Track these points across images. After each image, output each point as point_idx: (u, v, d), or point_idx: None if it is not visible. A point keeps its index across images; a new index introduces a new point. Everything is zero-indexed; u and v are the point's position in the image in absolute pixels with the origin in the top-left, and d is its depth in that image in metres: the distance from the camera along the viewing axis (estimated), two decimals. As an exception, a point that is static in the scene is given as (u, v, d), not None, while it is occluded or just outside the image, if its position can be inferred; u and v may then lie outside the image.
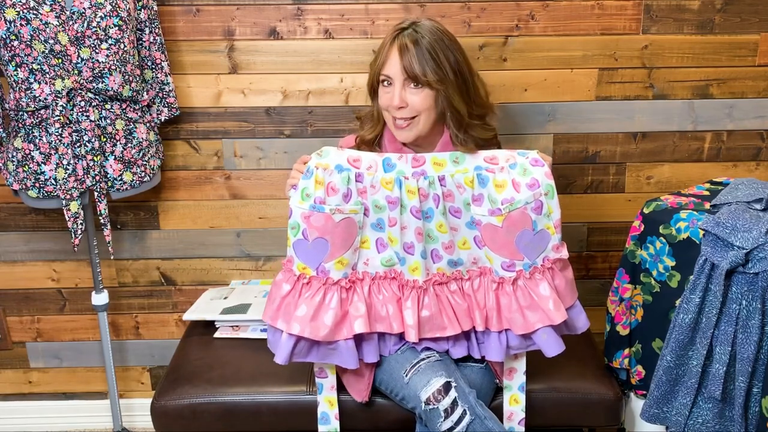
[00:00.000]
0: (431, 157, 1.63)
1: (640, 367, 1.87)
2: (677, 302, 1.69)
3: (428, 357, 1.67)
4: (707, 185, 1.95)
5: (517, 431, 1.76)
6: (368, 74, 1.72)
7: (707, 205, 1.78)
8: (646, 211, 1.81)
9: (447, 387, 1.60)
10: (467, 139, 1.66)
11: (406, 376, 1.66)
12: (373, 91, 1.72)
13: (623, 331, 1.89)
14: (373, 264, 1.67)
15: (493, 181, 1.62)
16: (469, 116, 1.66)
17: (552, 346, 1.65)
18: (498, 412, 1.73)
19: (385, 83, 1.67)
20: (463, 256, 1.68)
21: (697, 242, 1.67)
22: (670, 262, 1.74)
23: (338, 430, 1.77)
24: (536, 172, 1.61)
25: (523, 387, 1.76)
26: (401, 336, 1.70)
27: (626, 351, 1.89)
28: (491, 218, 1.61)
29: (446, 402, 1.59)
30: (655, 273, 1.79)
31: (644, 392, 1.85)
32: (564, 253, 1.67)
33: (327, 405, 1.76)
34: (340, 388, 1.79)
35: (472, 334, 1.71)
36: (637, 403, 1.91)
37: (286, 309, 1.64)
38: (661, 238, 1.76)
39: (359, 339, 1.68)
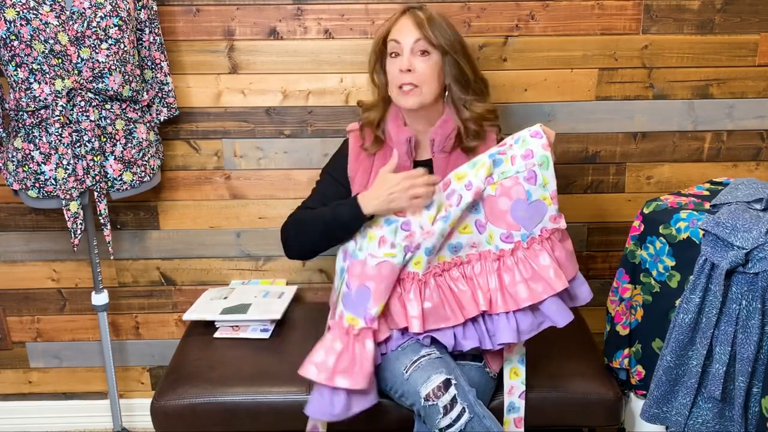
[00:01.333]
0: (453, 174, 1.69)
1: (640, 367, 1.87)
2: (677, 302, 1.69)
3: (429, 354, 1.67)
4: (707, 185, 1.95)
5: (517, 404, 1.77)
6: (370, 56, 1.83)
7: (707, 205, 1.78)
8: (646, 211, 1.81)
9: (447, 384, 1.61)
10: (471, 105, 1.77)
11: (406, 372, 1.66)
12: (375, 68, 1.83)
13: (623, 331, 1.89)
14: (375, 256, 1.68)
15: (505, 160, 1.67)
16: (474, 84, 1.78)
17: (562, 316, 1.66)
18: (496, 412, 1.73)
19: (393, 54, 1.75)
20: (462, 239, 1.70)
21: (697, 242, 1.67)
22: (670, 262, 1.74)
23: None
24: (533, 143, 1.65)
25: (524, 359, 1.77)
26: (403, 331, 1.70)
27: (626, 351, 1.89)
28: (488, 188, 1.66)
29: (446, 399, 1.59)
30: (655, 273, 1.79)
31: (644, 392, 1.85)
32: (562, 224, 1.68)
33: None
34: None
35: (482, 324, 1.70)
36: (637, 403, 1.91)
37: (342, 365, 1.62)
38: (661, 238, 1.76)
39: None
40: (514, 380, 1.77)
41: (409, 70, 1.72)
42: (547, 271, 1.65)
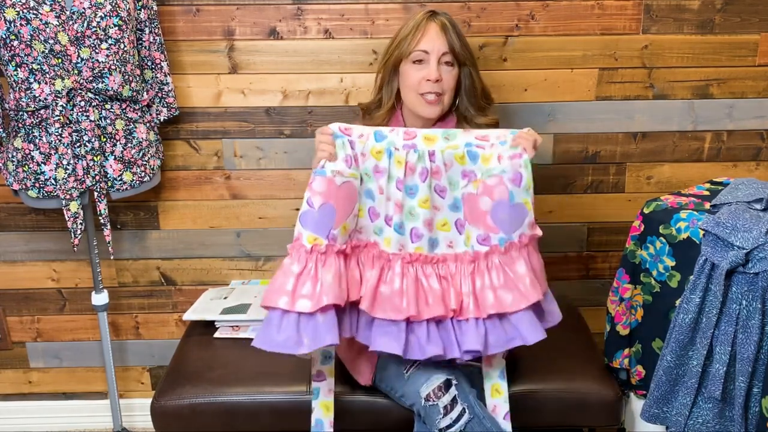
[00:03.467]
0: (423, 132, 1.64)
1: (640, 367, 1.87)
2: (677, 302, 1.69)
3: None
4: (707, 185, 1.95)
5: (505, 428, 1.66)
6: (386, 56, 1.80)
7: (707, 205, 1.78)
8: (646, 211, 1.81)
9: (447, 384, 1.60)
10: (475, 119, 1.79)
11: (407, 372, 1.66)
12: (390, 73, 1.79)
13: (623, 331, 1.89)
14: (366, 232, 1.64)
15: (481, 156, 1.63)
16: (482, 98, 1.81)
17: (532, 333, 1.55)
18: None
19: (417, 61, 1.74)
20: (440, 236, 1.64)
21: (697, 242, 1.67)
22: (670, 262, 1.74)
23: None
24: (519, 150, 1.61)
25: (504, 374, 1.69)
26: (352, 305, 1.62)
27: (626, 351, 1.89)
28: (469, 185, 1.62)
29: (446, 399, 1.59)
30: (655, 273, 1.79)
31: (644, 392, 1.85)
32: (538, 231, 1.62)
33: (322, 411, 1.70)
34: (341, 381, 1.78)
35: (450, 332, 1.59)
36: (637, 403, 1.91)
37: (302, 287, 1.51)
38: (661, 238, 1.76)
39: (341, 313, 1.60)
40: (497, 399, 1.68)
41: (438, 80, 1.72)
42: (524, 279, 1.56)
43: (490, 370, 1.70)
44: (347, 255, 1.59)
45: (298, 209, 1.61)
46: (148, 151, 2.03)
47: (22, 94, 1.86)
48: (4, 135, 1.98)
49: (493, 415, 1.68)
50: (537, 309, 1.61)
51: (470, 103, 1.80)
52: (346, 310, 1.59)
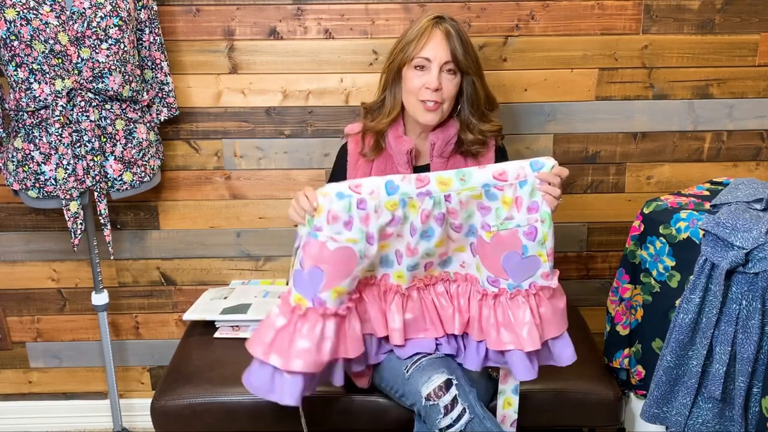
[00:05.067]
0: (436, 177, 1.56)
1: (640, 367, 1.87)
2: (677, 302, 1.69)
3: (430, 354, 1.67)
4: (707, 185, 1.95)
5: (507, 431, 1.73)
6: (390, 58, 1.79)
7: (707, 205, 1.78)
8: (646, 211, 1.81)
9: (448, 384, 1.61)
10: (477, 126, 1.79)
11: (407, 372, 1.66)
12: (394, 76, 1.79)
13: (623, 331, 1.89)
14: (336, 240, 1.58)
15: (501, 198, 1.56)
16: (485, 106, 1.81)
17: (521, 371, 1.60)
18: (495, 413, 1.73)
19: (419, 67, 1.73)
20: (453, 256, 1.66)
21: (697, 242, 1.67)
22: (670, 262, 1.75)
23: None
24: (538, 196, 1.56)
25: (517, 389, 1.73)
26: (382, 340, 1.68)
27: (626, 351, 1.89)
28: (482, 231, 1.59)
29: (446, 399, 1.59)
30: (655, 273, 1.79)
31: (644, 392, 1.85)
32: (553, 282, 1.60)
33: None
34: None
35: (459, 338, 1.70)
36: (637, 403, 1.91)
37: (279, 343, 1.55)
38: (661, 238, 1.76)
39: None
40: (507, 410, 1.73)
41: (438, 90, 1.72)
42: (522, 328, 1.58)
43: (504, 386, 1.74)
44: (342, 316, 1.58)
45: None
46: (148, 151, 2.03)
47: (22, 94, 1.86)
48: (4, 135, 1.98)
49: (501, 424, 1.72)
50: (544, 348, 1.64)
51: (472, 111, 1.79)
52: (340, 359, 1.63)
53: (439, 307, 1.67)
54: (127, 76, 1.92)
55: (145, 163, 2.02)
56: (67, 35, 1.80)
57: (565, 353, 1.66)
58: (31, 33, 1.78)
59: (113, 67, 1.88)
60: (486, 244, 1.59)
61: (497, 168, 1.57)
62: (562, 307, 1.64)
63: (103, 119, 1.91)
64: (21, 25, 1.77)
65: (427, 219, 1.56)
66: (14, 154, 1.92)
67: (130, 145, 1.97)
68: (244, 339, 2.01)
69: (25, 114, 1.88)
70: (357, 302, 1.62)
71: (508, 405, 1.74)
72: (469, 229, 1.62)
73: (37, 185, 1.92)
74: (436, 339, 1.68)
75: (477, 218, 1.59)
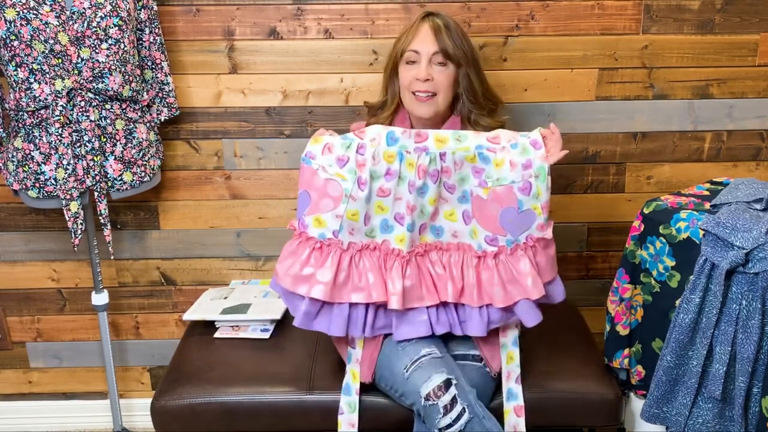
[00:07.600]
0: (434, 134, 1.66)
1: (640, 367, 1.87)
2: (677, 302, 1.69)
3: (429, 353, 1.68)
4: (707, 185, 1.95)
5: (515, 390, 1.76)
6: (388, 57, 1.84)
7: (707, 205, 1.78)
8: (646, 211, 1.81)
9: (447, 384, 1.61)
10: (478, 120, 1.81)
11: (407, 371, 1.66)
12: (391, 74, 1.83)
13: (623, 331, 1.89)
14: (358, 234, 1.69)
15: (494, 160, 1.66)
16: (483, 99, 1.82)
17: (531, 317, 1.69)
18: (496, 413, 1.73)
19: (410, 62, 1.78)
20: (445, 225, 1.71)
21: (697, 242, 1.67)
22: (670, 262, 1.75)
23: (357, 404, 1.76)
24: (534, 153, 1.65)
25: (517, 341, 1.78)
26: (378, 311, 1.72)
27: (626, 351, 1.89)
28: (479, 189, 1.66)
29: (446, 398, 1.59)
30: (655, 273, 1.79)
31: (644, 392, 1.85)
32: (548, 233, 1.70)
33: (350, 377, 1.77)
34: (340, 381, 1.79)
35: (453, 311, 1.73)
36: (637, 403, 1.91)
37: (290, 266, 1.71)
38: (661, 238, 1.76)
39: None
40: (510, 365, 1.78)
41: (427, 80, 1.75)
42: (526, 278, 1.67)
43: (504, 339, 1.79)
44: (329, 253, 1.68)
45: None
46: (148, 151, 2.03)
47: (22, 94, 1.86)
48: (4, 135, 1.98)
49: (507, 380, 1.77)
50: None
51: (471, 104, 1.81)
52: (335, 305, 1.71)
53: (434, 275, 1.71)
54: (127, 76, 1.92)
55: (145, 163, 2.02)
56: (67, 35, 1.80)
57: (556, 292, 1.77)
58: (31, 33, 1.78)
59: (113, 67, 1.88)
60: (483, 202, 1.67)
61: (491, 133, 1.69)
62: (553, 253, 1.75)
63: (103, 119, 1.91)
64: (21, 25, 1.77)
65: (423, 174, 1.64)
66: (14, 154, 1.92)
67: (130, 145, 1.97)
68: (244, 339, 2.03)
69: (25, 114, 1.88)
70: (354, 265, 1.70)
71: (511, 359, 1.78)
72: (462, 195, 1.69)
73: (37, 185, 1.92)
74: (428, 310, 1.71)
75: (471, 181, 1.67)
